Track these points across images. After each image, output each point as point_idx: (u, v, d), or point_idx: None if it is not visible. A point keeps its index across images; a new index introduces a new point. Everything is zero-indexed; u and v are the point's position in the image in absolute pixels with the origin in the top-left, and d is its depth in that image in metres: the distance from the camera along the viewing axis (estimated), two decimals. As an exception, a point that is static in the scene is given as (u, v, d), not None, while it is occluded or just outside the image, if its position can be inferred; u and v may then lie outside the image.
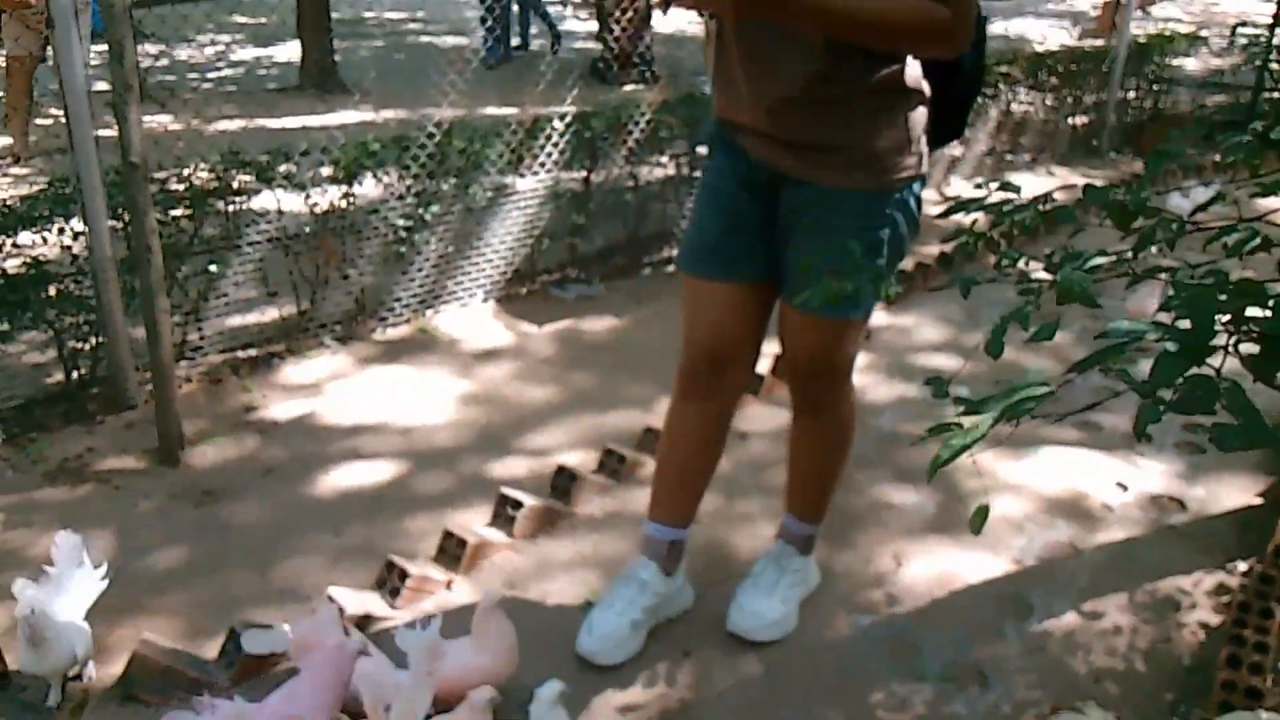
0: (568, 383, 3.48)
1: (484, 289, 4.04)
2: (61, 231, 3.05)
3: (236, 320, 3.55)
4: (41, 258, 3.02)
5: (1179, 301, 1.17)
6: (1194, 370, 1.04)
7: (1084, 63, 6.45)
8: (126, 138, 2.64)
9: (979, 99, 2.57)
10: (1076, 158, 6.54)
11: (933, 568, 2.50)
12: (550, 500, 2.68)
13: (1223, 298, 1.20)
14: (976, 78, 2.01)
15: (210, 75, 8.52)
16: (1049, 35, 9.32)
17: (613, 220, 4.44)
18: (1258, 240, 1.38)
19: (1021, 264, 1.39)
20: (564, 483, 2.72)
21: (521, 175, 4.01)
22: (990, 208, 1.50)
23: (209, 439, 3.01)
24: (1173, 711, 2.07)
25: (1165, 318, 1.18)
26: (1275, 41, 6.25)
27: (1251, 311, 1.17)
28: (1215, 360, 1.08)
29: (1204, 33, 7.60)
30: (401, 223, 3.69)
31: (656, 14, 8.10)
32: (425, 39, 10.61)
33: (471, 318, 3.95)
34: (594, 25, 10.51)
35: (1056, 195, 1.67)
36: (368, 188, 3.70)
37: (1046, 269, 1.34)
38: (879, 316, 3.89)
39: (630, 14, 7.04)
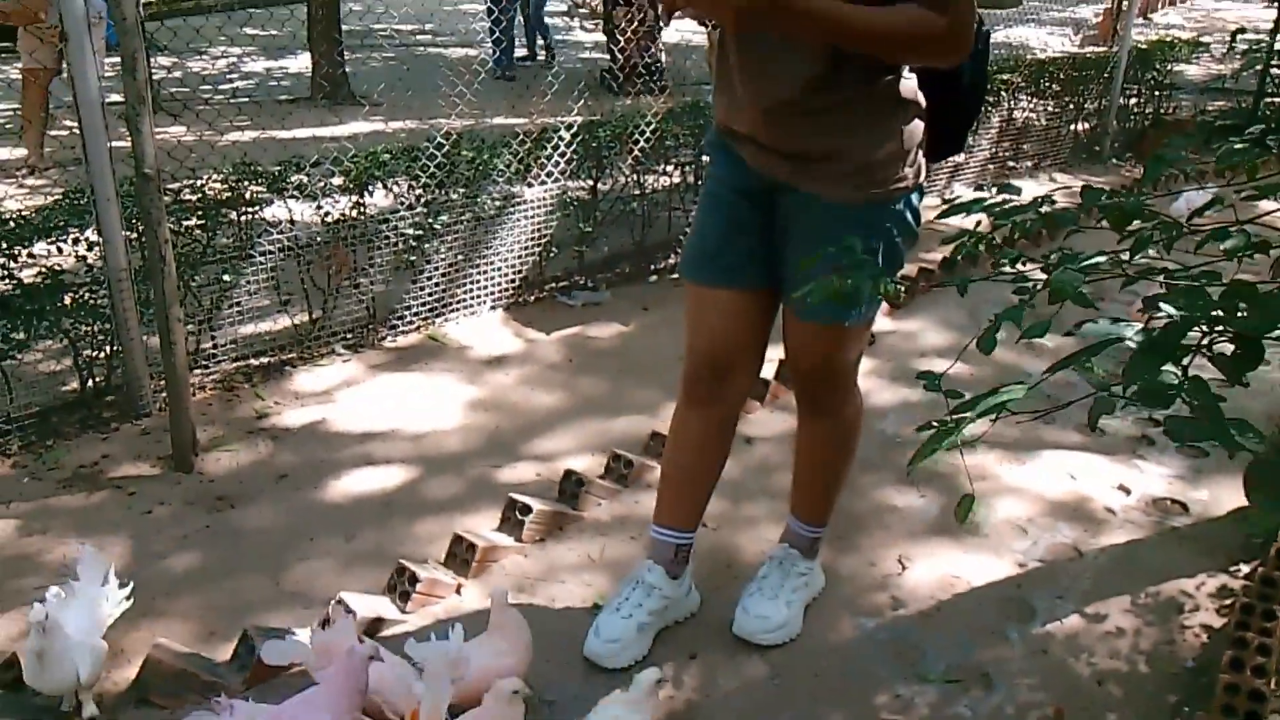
0: (575, 389, 3.51)
1: (493, 297, 4.08)
2: (77, 242, 3.09)
3: (249, 329, 3.59)
4: (57, 267, 3.06)
5: (1172, 301, 1.19)
6: (1168, 368, 1.06)
7: (1086, 69, 6.47)
8: (140, 149, 2.68)
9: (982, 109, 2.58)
10: (1078, 164, 6.56)
11: (936, 570, 2.51)
12: (558, 505, 2.71)
13: (1215, 297, 1.23)
14: (978, 91, 2.01)
15: (222, 87, 8.58)
16: (1050, 42, 9.32)
17: (619, 228, 4.48)
18: (1252, 243, 1.40)
19: (1020, 265, 1.41)
20: (572, 487, 2.75)
21: (529, 184, 4.05)
22: (989, 208, 1.53)
23: (222, 446, 3.05)
24: (1175, 714, 2.08)
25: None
26: (1276, 47, 6.25)
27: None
28: (1186, 359, 1.10)
29: (1205, 39, 7.61)
30: (411, 232, 3.73)
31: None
32: (434, 50, 10.67)
33: (480, 325, 3.98)
34: (601, 36, 10.54)
35: (1057, 200, 1.69)
36: (378, 198, 3.74)
37: (1043, 270, 1.37)
38: (882, 321, 3.92)
39: (637, 24, 7.08)
